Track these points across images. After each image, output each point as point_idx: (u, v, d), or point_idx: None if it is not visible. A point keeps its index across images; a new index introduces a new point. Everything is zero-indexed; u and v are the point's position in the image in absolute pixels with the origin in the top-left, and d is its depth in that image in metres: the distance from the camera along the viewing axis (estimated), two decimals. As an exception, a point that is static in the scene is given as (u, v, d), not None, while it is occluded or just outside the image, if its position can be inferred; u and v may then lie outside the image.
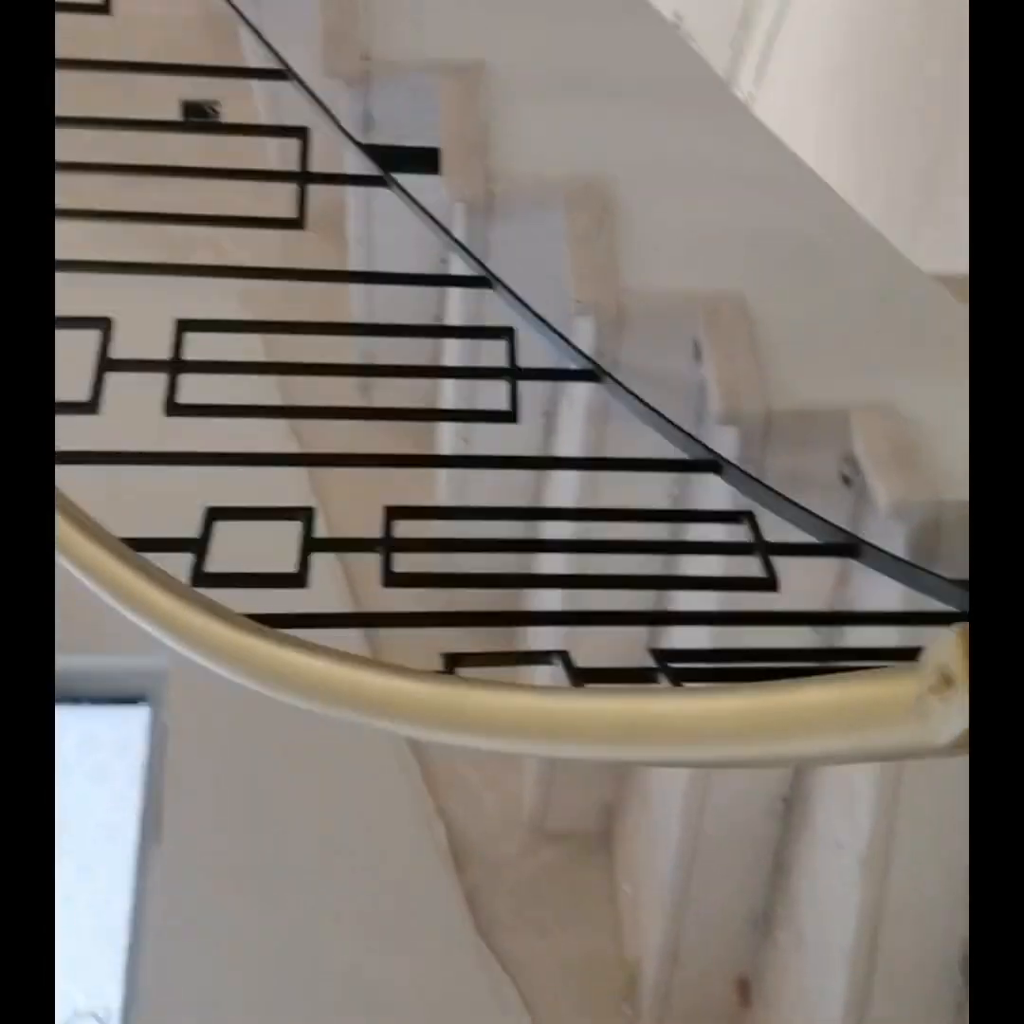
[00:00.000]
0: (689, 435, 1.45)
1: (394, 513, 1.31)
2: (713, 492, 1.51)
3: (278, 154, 1.79)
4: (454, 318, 1.82)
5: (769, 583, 1.30)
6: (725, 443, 1.47)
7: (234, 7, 1.66)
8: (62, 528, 1.14)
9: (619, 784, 2.07)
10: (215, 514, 1.30)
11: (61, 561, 1.12)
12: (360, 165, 1.66)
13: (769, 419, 1.46)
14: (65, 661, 1.99)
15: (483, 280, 1.58)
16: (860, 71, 3.92)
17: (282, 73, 1.65)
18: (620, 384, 1.50)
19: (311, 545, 1.28)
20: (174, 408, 1.38)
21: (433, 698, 0.97)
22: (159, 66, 1.65)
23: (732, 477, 1.42)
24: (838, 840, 1.62)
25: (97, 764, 2.17)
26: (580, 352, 1.53)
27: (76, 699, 2.17)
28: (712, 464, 1.43)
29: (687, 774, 1.76)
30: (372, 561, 1.30)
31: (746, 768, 1.57)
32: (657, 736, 0.82)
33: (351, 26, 1.65)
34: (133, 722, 2.17)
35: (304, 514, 1.32)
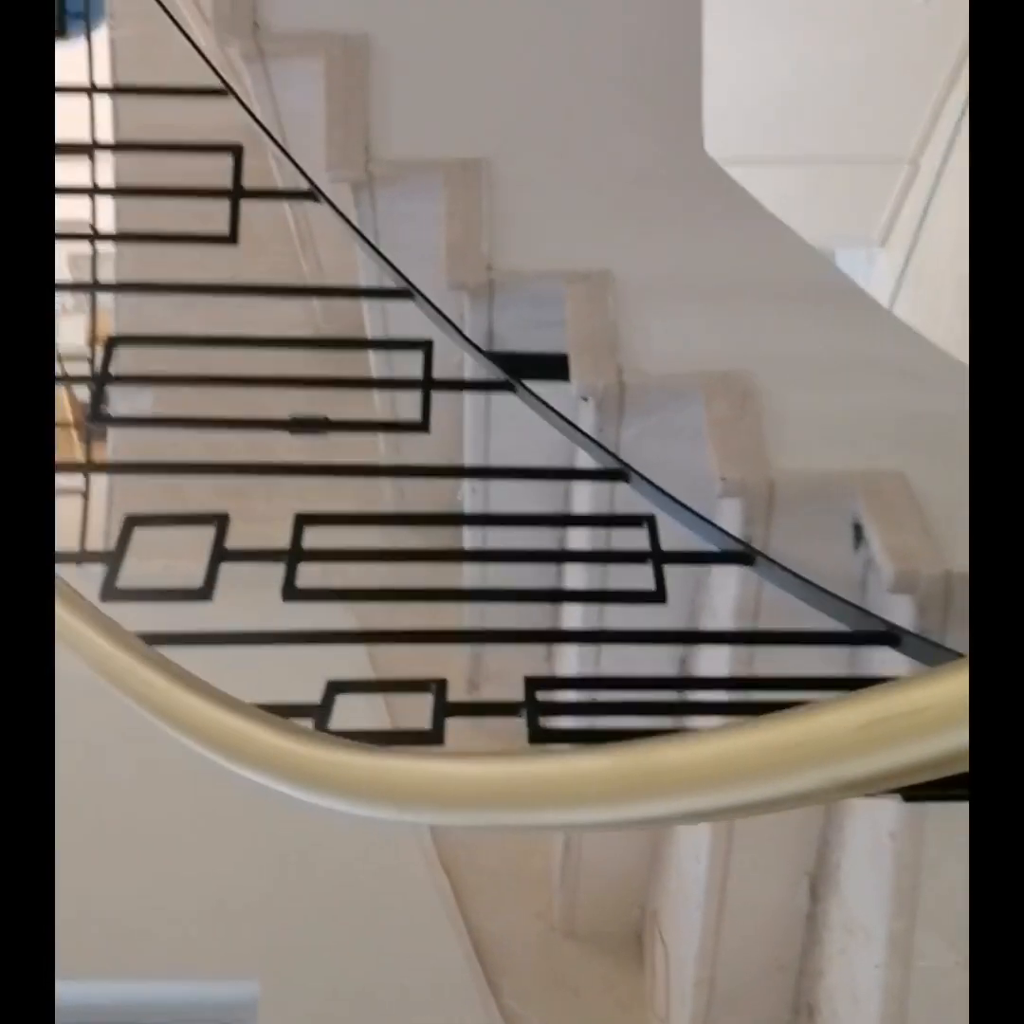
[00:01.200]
0: (859, 608, 1.32)
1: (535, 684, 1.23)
2: (880, 661, 1.38)
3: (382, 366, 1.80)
4: (582, 509, 1.75)
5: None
6: (898, 613, 1.33)
7: (355, 229, 1.68)
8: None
9: (650, 884, 2.02)
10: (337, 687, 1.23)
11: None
12: (481, 371, 1.64)
13: (949, 584, 1.33)
14: (150, 989, 1.89)
15: (618, 473, 1.51)
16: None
17: (407, 292, 1.65)
18: (774, 562, 1.39)
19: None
20: (293, 593, 1.34)
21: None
22: (280, 289, 1.66)
23: (911, 647, 1.27)
24: None
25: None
26: (728, 534, 1.43)
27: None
28: (888, 636, 1.29)
29: (719, 871, 1.71)
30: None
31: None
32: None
33: (475, 239, 1.65)
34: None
35: (435, 685, 1.23)
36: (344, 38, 1.68)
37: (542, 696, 1.25)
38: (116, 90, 1.74)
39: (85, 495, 2.57)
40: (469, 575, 1.87)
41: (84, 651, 1.26)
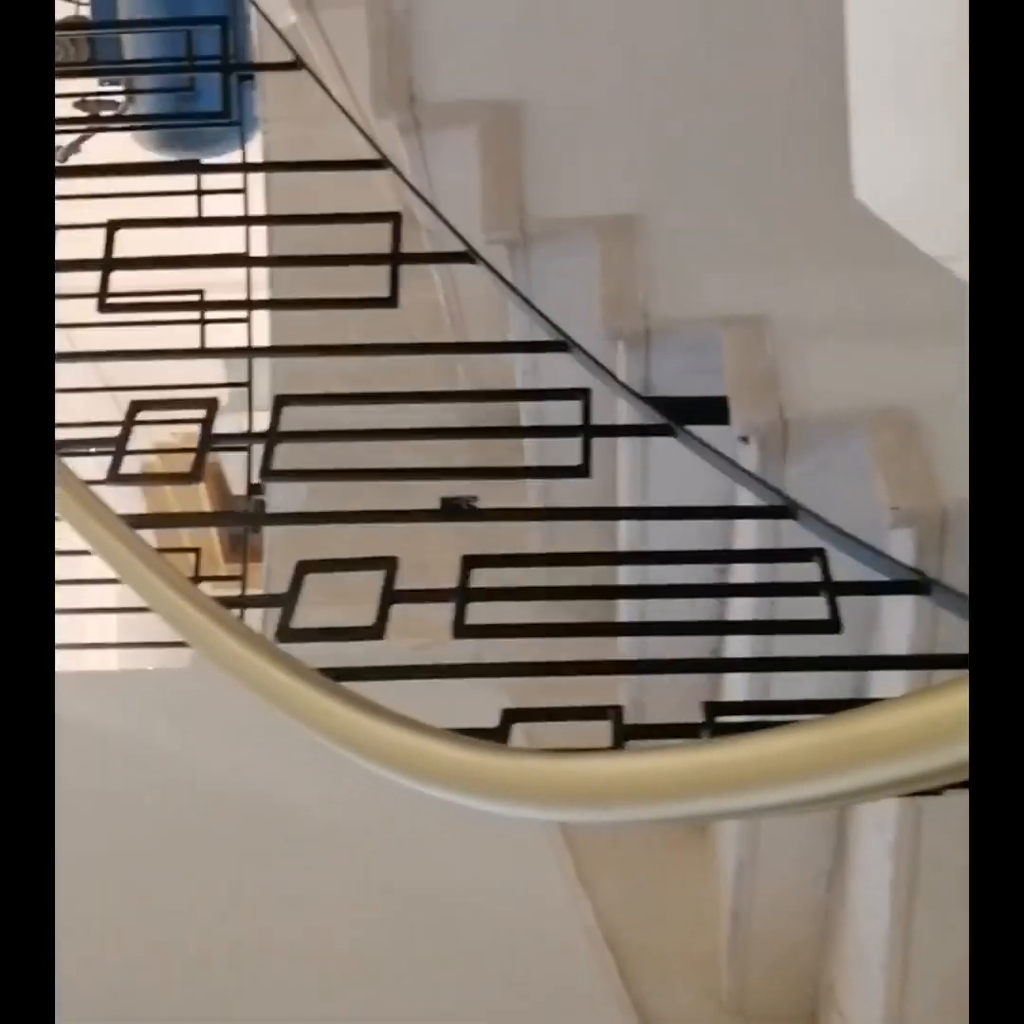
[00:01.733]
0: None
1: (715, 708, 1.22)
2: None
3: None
4: (746, 546, 1.74)
5: None
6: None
7: (511, 287, 1.72)
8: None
9: (823, 956, 1.95)
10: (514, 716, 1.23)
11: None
12: (635, 417, 1.66)
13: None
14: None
15: (785, 510, 1.51)
16: None
17: (563, 344, 1.68)
18: (950, 590, 1.36)
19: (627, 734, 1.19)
20: (462, 630, 1.36)
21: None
22: (436, 346, 1.70)
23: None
24: None
25: None
26: (902, 564, 1.42)
27: None
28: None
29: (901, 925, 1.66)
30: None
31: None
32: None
33: (630, 289, 1.67)
34: None
35: (613, 710, 1.23)
36: (496, 105, 1.74)
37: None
38: (273, 166, 1.81)
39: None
40: (626, 610, 1.88)
41: (265, 686, 1.28)
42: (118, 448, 1.63)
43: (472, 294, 2.17)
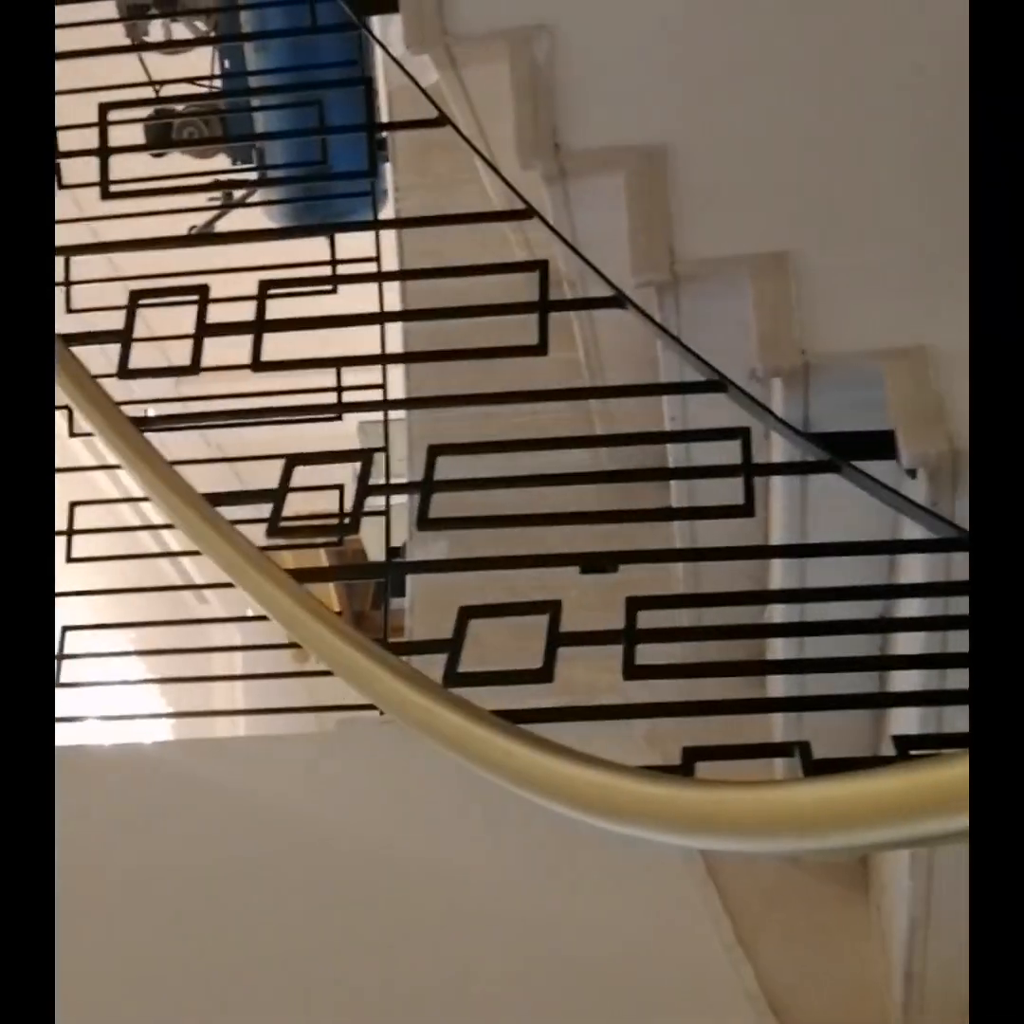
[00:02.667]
0: None
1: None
2: None
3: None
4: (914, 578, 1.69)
5: None
6: None
7: (662, 329, 1.70)
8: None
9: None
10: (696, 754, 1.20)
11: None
12: (793, 454, 1.63)
13: None
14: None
15: (960, 542, 1.46)
16: None
17: (718, 384, 1.66)
18: None
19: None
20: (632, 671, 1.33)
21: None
22: (588, 390, 1.68)
23: None
24: None
25: None
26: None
27: None
28: None
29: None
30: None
31: None
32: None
33: (786, 326, 1.65)
34: None
35: (799, 746, 1.18)
36: (642, 150, 1.73)
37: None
38: (418, 222, 1.82)
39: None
40: (783, 648, 1.84)
41: (437, 730, 1.26)
42: (276, 504, 1.64)
43: (613, 344, 2.16)
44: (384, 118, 3.14)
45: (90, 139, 1.90)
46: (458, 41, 1.79)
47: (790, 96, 1.74)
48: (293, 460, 1.70)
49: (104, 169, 1.86)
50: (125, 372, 1.75)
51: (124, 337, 1.75)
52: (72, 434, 3.29)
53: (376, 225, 2.62)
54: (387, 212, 3.30)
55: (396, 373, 3.08)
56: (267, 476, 1.75)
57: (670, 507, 1.93)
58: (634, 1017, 2.12)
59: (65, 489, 3.11)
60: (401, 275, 2.49)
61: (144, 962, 2.30)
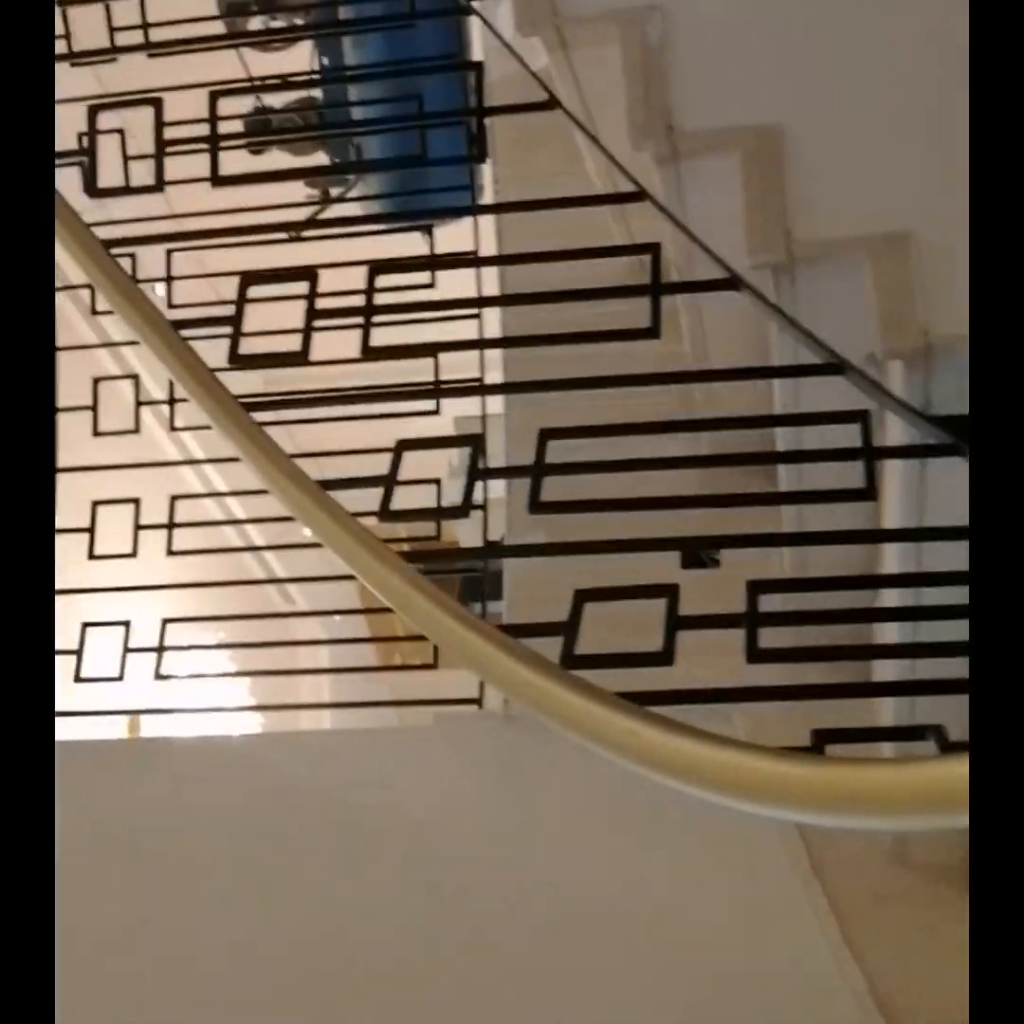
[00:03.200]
0: None
1: None
2: None
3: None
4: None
5: None
6: None
7: (779, 311, 1.67)
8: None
9: None
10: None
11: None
12: (913, 437, 1.59)
13: None
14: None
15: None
16: None
17: (836, 367, 1.62)
18: None
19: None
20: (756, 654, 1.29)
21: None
22: (700, 373, 1.65)
23: None
24: None
25: None
26: None
27: None
28: None
29: None
30: None
31: None
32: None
33: (909, 308, 1.61)
34: None
35: (934, 729, 1.15)
36: (757, 129, 1.70)
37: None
38: (529, 205, 1.80)
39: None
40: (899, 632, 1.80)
41: (558, 711, 1.24)
42: (387, 489, 1.64)
43: (719, 332, 2.13)
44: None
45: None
46: (569, 22, 1.78)
47: (909, 73, 1.70)
48: (403, 446, 1.69)
49: (214, 157, 1.87)
50: (236, 359, 1.75)
51: (234, 323, 1.75)
52: (173, 428, 3.33)
53: (475, 211, 2.60)
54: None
55: (493, 373, 3.07)
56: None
57: (787, 491, 1.90)
58: (740, 1016, 2.08)
59: (165, 484, 3.15)
60: (501, 260, 2.47)
61: (231, 954, 2.29)
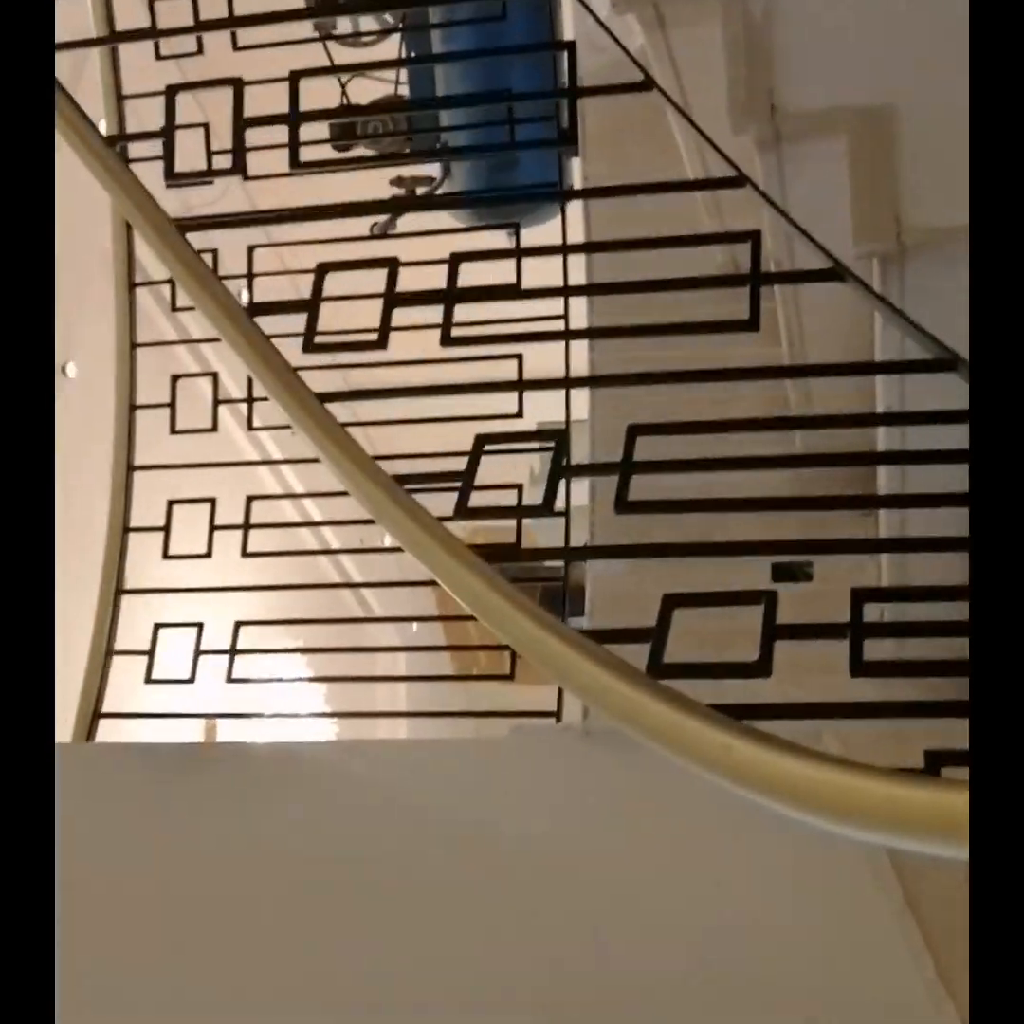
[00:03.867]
0: None
1: None
2: None
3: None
4: None
5: None
6: None
7: (886, 302, 1.56)
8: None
9: None
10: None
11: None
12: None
13: None
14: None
15: None
16: None
17: (950, 363, 1.51)
18: None
19: None
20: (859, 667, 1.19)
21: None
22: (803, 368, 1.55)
23: None
24: None
25: None
26: None
27: None
28: None
29: None
30: None
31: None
32: None
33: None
34: None
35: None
36: (866, 111, 1.60)
37: None
38: (622, 190, 1.71)
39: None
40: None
41: (643, 721, 1.15)
42: (465, 484, 1.56)
43: (820, 331, 2.02)
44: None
45: (278, 135, 1.84)
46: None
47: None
48: (482, 440, 1.60)
49: (293, 136, 1.79)
50: (311, 346, 1.68)
51: (311, 306, 1.68)
52: (250, 428, 3.28)
53: (565, 196, 2.51)
54: (574, 205, 3.20)
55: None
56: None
57: (890, 494, 1.79)
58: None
59: (241, 484, 3.10)
60: (590, 247, 2.38)
61: (298, 962, 2.23)
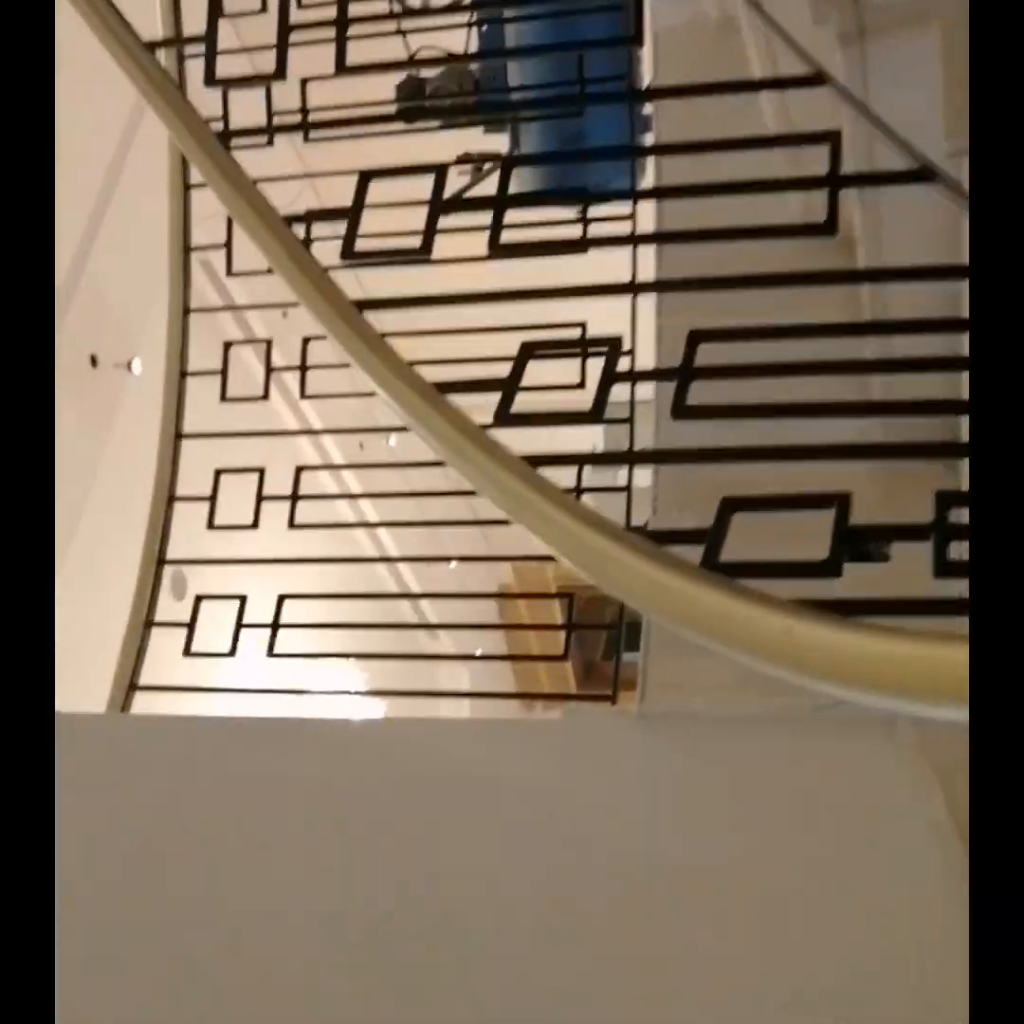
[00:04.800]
0: None
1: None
2: None
3: None
4: None
5: None
6: None
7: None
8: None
9: None
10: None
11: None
12: None
13: None
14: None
15: None
16: None
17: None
18: None
19: None
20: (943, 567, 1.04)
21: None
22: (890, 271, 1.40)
23: None
24: None
25: None
26: None
27: None
28: None
29: None
30: None
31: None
32: None
33: None
34: None
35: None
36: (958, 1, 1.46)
37: None
38: (694, 90, 1.58)
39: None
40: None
41: (697, 614, 1.01)
42: (508, 389, 1.43)
43: (901, 242, 1.86)
44: (647, 71, 2.94)
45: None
46: None
47: None
48: (528, 348, 1.47)
49: (340, 45, 1.69)
50: (350, 254, 1.56)
51: (352, 215, 1.56)
52: (302, 396, 3.16)
53: (634, 152, 2.39)
54: (646, 182, 3.08)
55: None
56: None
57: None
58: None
59: (290, 454, 3.00)
60: (659, 193, 2.25)
61: (350, 940, 2.10)
